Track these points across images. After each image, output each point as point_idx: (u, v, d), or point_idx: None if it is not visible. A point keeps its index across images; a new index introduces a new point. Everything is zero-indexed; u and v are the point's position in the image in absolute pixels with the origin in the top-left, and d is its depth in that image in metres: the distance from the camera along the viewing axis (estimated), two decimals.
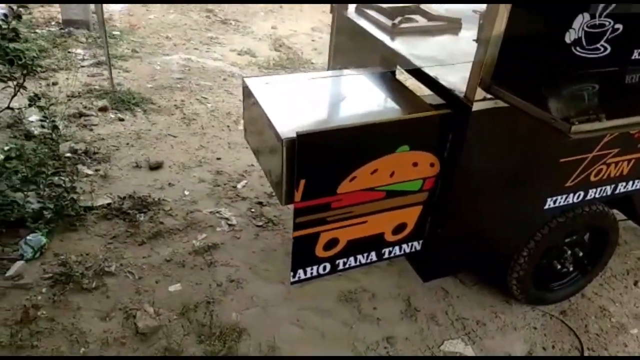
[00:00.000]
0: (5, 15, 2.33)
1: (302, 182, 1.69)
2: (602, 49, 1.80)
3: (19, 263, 2.49)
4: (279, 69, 5.40)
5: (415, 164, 1.85)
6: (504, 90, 1.64)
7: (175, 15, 6.58)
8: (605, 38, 1.78)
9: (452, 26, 2.38)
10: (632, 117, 1.52)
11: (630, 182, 2.33)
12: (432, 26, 2.37)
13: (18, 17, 2.33)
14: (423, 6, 2.59)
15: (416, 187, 1.92)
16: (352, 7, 2.56)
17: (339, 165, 1.73)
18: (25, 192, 2.71)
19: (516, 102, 1.60)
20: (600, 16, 1.72)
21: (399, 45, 2.20)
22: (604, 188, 2.27)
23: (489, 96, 1.69)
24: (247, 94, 2.01)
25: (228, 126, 4.07)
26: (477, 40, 1.63)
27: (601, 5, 1.69)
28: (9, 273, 2.43)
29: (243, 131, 2.32)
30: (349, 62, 2.51)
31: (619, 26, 1.77)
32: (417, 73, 2.01)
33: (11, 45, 2.30)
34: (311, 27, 6.89)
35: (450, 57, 2.06)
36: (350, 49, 2.52)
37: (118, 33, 5.50)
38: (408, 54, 2.08)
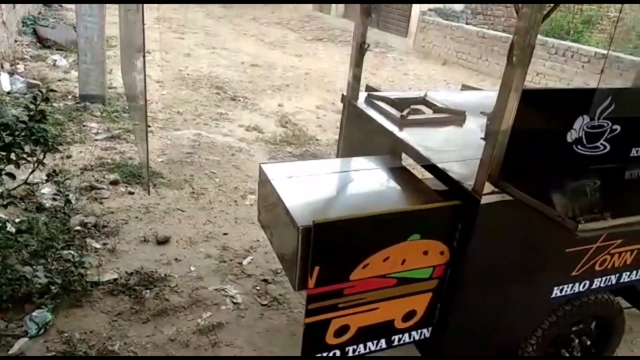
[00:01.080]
0: (34, 97, 2.47)
1: (317, 268, 1.73)
2: (602, 147, 1.91)
3: (23, 340, 2.46)
4: (285, 145, 5.57)
5: (425, 252, 1.89)
6: (511, 186, 1.72)
7: (187, 92, 6.86)
8: (604, 137, 1.89)
9: (457, 118, 2.51)
10: (635, 217, 1.59)
11: (634, 272, 2.37)
12: (438, 118, 2.50)
13: (46, 99, 2.47)
14: (429, 97, 2.75)
15: (426, 275, 1.95)
16: (362, 98, 2.71)
17: (352, 252, 1.78)
18: (34, 267, 2.72)
19: (523, 197, 1.68)
20: (599, 118, 1.84)
21: (407, 135, 2.32)
22: (608, 277, 2.30)
23: (497, 189, 1.78)
24: (263, 179, 2.10)
25: (235, 201, 4.15)
26: (484, 139, 1.73)
27: (599, 109, 1.81)
28: (12, 351, 2.40)
29: (257, 213, 2.38)
30: (358, 149, 2.63)
31: (617, 127, 1.89)
32: (425, 162, 2.10)
33: (37, 125, 2.41)
34: (316, 104, 7.17)
35: (458, 149, 2.17)
36: (359, 137, 2.64)
37: None
38: (417, 145, 2.18)
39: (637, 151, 2.00)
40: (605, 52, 7.49)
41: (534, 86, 2.51)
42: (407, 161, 2.38)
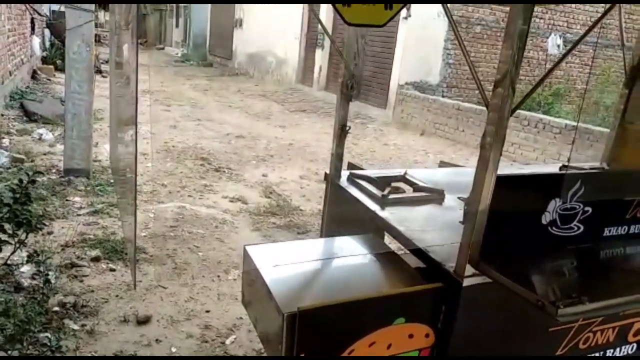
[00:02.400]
0: (20, 180, 2.49)
1: (302, 355, 1.72)
2: (576, 228, 1.98)
3: None
4: (269, 216, 5.59)
5: (411, 336, 1.89)
6: (491, 269, 1.77)
7: (172, 164, 6.94)
8: (577, 219, 1.97)
9: (436, 197, 2.59)
10: (612, 299, 1.64)
11: (617, 349, 2.38)
12: (418, 197, 2.58)
13: (32, 182, 2.49)
14: (408, 175, 2.84)
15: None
16: (344, 177, 2.79)
17: (338, 338, 1.77)
18: (10, 352, 2.63)
19: (503, 280, 1.72)
20: (570, 201, 1.92)
21: (389, 215, 2.37)
22: (592, 355, 2.31)
23: (478, 272, 1.81)
24: (247, 262, 2.11)
25: (218, 276, 4.10)
26: (462, 222, 1.79)
27: (570, 193, 1.90)
28: None
29: (241, 295, 2.37)
30: (341, 228, 2.67)
31: (589, 209, 1.97)
32: (407, 243, 2.15)
33: (21, 207, 2.42)
34: (299, 174, 7.28)
35: (438, 229, 2.22)
36: (343, 216, 2.69)
37: None
38: (398, 225, 2.24)
39: (609, 231, 2.08)
40: (575, 123, 7.85)
41: (508, 171, 2.64)
42: (390, 239, 2.43)
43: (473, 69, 1.94)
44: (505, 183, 1.76)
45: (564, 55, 2.37)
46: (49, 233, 4.24)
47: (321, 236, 2.92)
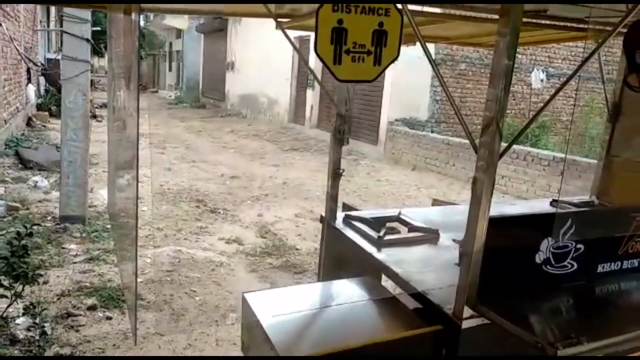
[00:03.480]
0: (18, 232, 2.51)
1: None
2: (570, 265, 2.02)
3: None
4: (266, 256, 5.58)
5: None
6: (489, 310, 1.79)
7: (167, 207, 6.95)
8: (570, 256, 2.01)
9: (431, 237, 2.63)
10: (611, 338, 1.66)
11: None
12: (413, 237, 2.61)
13: (30, 234, 2.50)
14: (403, 215, 2.88)
15: None
16: (339, 218, 2.82)
17: None
18: None
19: (501, 322, 1.74)
20: (562, 240, 1.96)
21: (385, 257, 2.40)
22: None
23: (476, 313, 1.83)
24: (246, 310, 2.11)
25: (216, 321, 4.07)
26: (458, 264, 1.82)
27: (561, 232, 1.95)
28: None
29: (240, 343, 2.36)
30: (339, 270, 2.69)
31: (581, 246, 2.01)
32: (405, 285, 2.16)
33: (18, 261, 2.43)
34: (295, 213, 7.30)
35: (435, 270, 2.25)
36: (339, 259, 2.71)
37: (111, 226, 5.74)
38: (395, 267, 2.26)
39: (603, 267, 2.12)
40: (562, 155, 7.99)
41: (499, 209, 2.69)
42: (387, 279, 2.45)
43: (458, 111, 2.00)
44: (498, 224, 1.80)
45: (554, 94, 2.44)
46: (45, 283, 4.21)
47: (319, 279, 2.93)
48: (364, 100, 12.16)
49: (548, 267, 1.97)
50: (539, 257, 1.95)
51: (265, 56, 16.31)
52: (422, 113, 11.40)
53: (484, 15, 2.53)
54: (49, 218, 5.75)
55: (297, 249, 5.87)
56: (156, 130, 14.14)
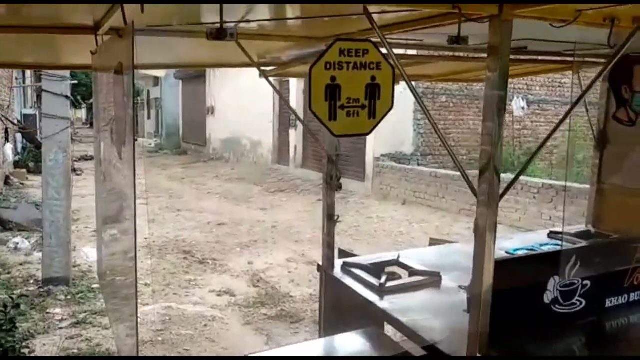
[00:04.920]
0: (5, 305, 2.38)
1: None
2: (578, 303, 1.97)
3: None
4: (259, 307, 5.43)
5: None
6: (501, 355, 1.72)
7: (154, 260, 6.77)
8: (578, 294, 1.96)
9: (433, 280, 2.56)
10: None
11: None
12: (415, 282, 2.54)
13: (17, 306, 2.38)
14: (402, 259, 2.82)
15: None
16: (337, 267, 2.75)
17: None
18: None
19: None
20: (568, 277, 1.92)
21: (389, 305, 2.32)
22: None
23: None
24: None
25: None
26: (467, 311, 1.76)
27: (567, 269, 1.91)
28: None
29: None
30: (340, 321, 2.59)
31: (587, 282, 1.97)
32: (412, 335, 2.08)
33: (6, 336, 2.30)
34: (286, 258, 7.18)
35: (441, 317, 2.18)
36: (340, 309, 2.62)
37: (97, 286, 5.55)
38: (400, 316, 2.18)
39: (611, 301, 2.07)
40: (551, 182, 8.06)
41: (500, 249, 2.66)
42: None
43: (447, 144, 1.98)
44: (504, 266, 1.75)
45: (558, 124, 2.34)
46: (31, 353, 4.00)
47: (320, 331, 2.83)
48: (349, 137, 12.25)
49: (557, 306, 1.92)
50: (547, 297, 1.90)
51: (245, 99, 16.43)
52: (407, 147, 11.50)
53: (466, 54, 2.56)
54: (31, 282, 5.54)
55: (291, 297, 5.73)
56: (138, 180, 13.92)
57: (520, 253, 2.61)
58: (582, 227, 3.46)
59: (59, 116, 4.97)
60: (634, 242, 2.10)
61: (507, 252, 2.90)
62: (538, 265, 1.91)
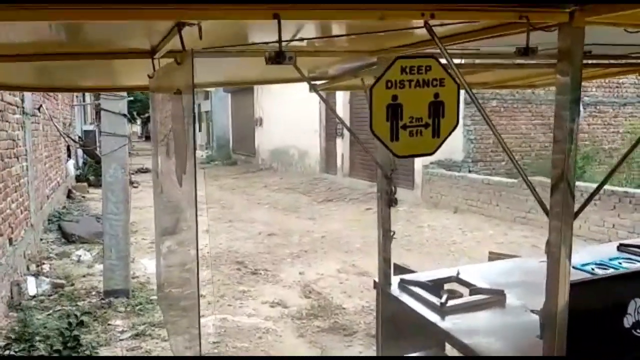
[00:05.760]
0: (69, 323, 2.46)
1: None
2: None
3: None
4: (312, 319, 5.41)
5: None
6: None
7: (208, 272, 6.89)
8: None
9: (497, 298, 2.44)
10: None
11: None
12: (478, 301, 2.43)
13: (81, 323, 2.45)
14: (462, 275, 2.71)
15: None
16: (395, 284, 2.68)
17: None
18: None
19: None
20: None
21: (451, 325, 2.23)
22: None
23: None
24: None
25: None
26: (540, 337, 1.65)
27: None
28: None
29: None
30: (399, 340, 2.52)
31: None
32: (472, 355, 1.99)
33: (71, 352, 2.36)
34: (337, 268, 7.13)
35: (508, 339, 2.07)
36: (398, 327, 2.55)
37: (155, 297, 5.69)
38: (464, 338, 2.09)
39: None
40: (613, 188, 7.63)
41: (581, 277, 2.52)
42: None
43: (508, 150, 1.87)
44: (579, 290, 1.64)
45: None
46: None
47: (377, 349, 2.76)
48: None
49: (638, 330, 1.78)
50: (627, 321, 1.76)
51: (291, 110, 16.59)
52: (457, 154, 11.23)
53: (527, 61, 2.44)
54: (93, 293, 5.75)
55: (343, 308, 5.67)
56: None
57: (599, 272, 2.45)
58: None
59: (117, 134, 5.16)
60: None
61: (574, 267, 2.74)
62: (617, 287, 1.78)
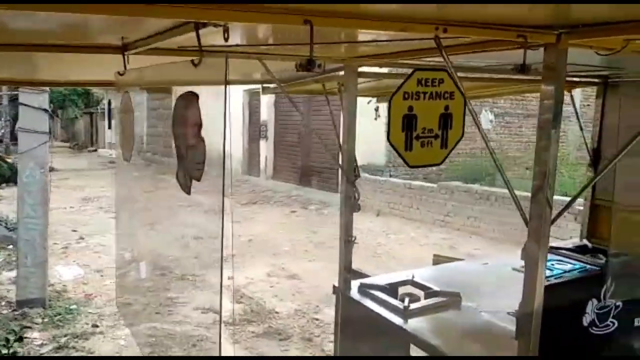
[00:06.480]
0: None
1: None
2: (612, 324, 2.00)
3: None
4: (246, 324, 5.32)
5: None
6: None
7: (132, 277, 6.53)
8: (612, 315, 1.99)
9: (454, 300, 2.55)
10: None
11: None
12: (437, 303, 2.52)
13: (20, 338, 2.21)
14: (417, 279, 2.80)
15: None
16: (354, 288, 2.70)
17: None
18: None
19: None
20: (604, 299, 1.95)
21: (417, 327, 2.29)
22: None
23: None
24: None
25: None
26: (516, 338, 1.75)
27: (603, 289, 1.94)
28: None
29: None
30: (358, 342, 2.55)
31: (619, 303, 2.01)
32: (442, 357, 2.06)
33: None
34: (266, 272, 7.08)
35: (474, 340, 2.17)
36: (358, 331, 2.58)
37: (74, 307, 5.29)
38: (432, 339, 2.16)
39: (638, 320, 2.12)
40: (527, 194, 8.21)
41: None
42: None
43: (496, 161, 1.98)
44: (551, 292, 1.76)
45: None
46: None
47: (335, 353, 2.77)
48: (323, 149, 12.25)
49: (593, 328, 1.95)
50: (586, 320, 1.92)
51: (209, 110, 16.19)
52: (380, 158, 11.58)
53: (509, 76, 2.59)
54: (3, 304, 5.22)
55: (276, 312, 5.64)
56: (103, 193, 13.53)
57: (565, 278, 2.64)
58: (577, 242, 3.54)
59: (37, 130, 4.72)
60: None
61: (514, 269, 2.94)
62: (577, 288, 1.93)
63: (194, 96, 1.41)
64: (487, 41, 1.42)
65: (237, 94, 14.60)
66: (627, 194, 3.20)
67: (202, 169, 1.40)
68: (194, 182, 1.73)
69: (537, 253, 1.68)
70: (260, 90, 3.05)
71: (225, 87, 1.26)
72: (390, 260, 7.55)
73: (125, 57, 1.83)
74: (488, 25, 1.38)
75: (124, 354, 4.40)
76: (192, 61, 1.41)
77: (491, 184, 9.38)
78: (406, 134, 1.24)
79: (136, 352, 4.44)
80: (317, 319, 5.48)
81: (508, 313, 2.35)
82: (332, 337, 5.16)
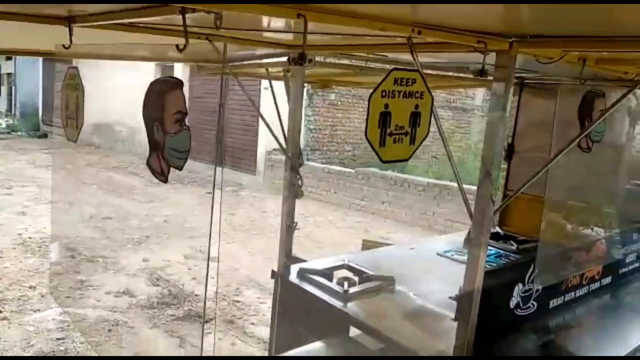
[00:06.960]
0: None
1: None
2: (532, 306, 2.23)
3: None
4: (164, 307, 5.18)
5: None
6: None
7: (35, 259, 6.07)
8: (532, 298, 2.22)
9: (388, 284, 2.68)
10: None
11: None
12: (373, 287, 2.64)
13: None
14: (351, 263, 2.90)
15: None
16: (294, 272, 2.75)
17: None
18: None
19: None
20: (527, 283, 2.17)
21: (357, 310, 2.39)
22: None
23: None
24: None
25: None
26: (455, 320, 1.89)
27: (528, 274, 2.15)
28: None
29: None
30: (297, 326, 2.61)
31: (539, 288, 2.24)
32: (388, 340, 2.18)
33: None
34: (183, 254, 6.91)
35: (410, 322, 2.31)
36: (298, 315, 2.63)
37: None
38: (372, 322, 2.27)
39: (553, 303, 2.38)
40: (434, 181, 8.78)
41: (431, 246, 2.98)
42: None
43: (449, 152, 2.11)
44: (490, 277, 1.92)
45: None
46: None
47: (272, 336, 2.81)
48: (241, 130, 12.04)
49: (518, 310, 2.16)
50: (512, 302, 2.12)
51: (120, 84, 15.25)
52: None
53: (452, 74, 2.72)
54: None
55: (196, 295, 5.54)
56: None
57: (459, 258, 2.86)
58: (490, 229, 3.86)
59: None
60: (571, 250, 2.43)
61: (438, 254, 3.15)
62: (507, 273, 2.13)
63: (178, 83, 1.35)
64: (447, 43, 1.51)
65: (149, 67, 13.86)
66: (558, 189, 3.54)
67: (185, 158, 1.36)
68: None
69: (481, 241, 1.82)
70: (189, 69, 2.95)
71: (222, 79, 1.22)
72: (309, 242, 7.69)
73: (71, 29, 1.69)
74: (454, 30, 1.48)
75: (33, 342, 4.11)
76: (177, 46, 1.35)
77: (402, 171, 9.82)
78: (381, 130, 1.30)
79: (46, 337, 4.17)
80: (238, 301, 5.48)
81: (450, 297, 2.54)
82: (253, 320, 5.21)
